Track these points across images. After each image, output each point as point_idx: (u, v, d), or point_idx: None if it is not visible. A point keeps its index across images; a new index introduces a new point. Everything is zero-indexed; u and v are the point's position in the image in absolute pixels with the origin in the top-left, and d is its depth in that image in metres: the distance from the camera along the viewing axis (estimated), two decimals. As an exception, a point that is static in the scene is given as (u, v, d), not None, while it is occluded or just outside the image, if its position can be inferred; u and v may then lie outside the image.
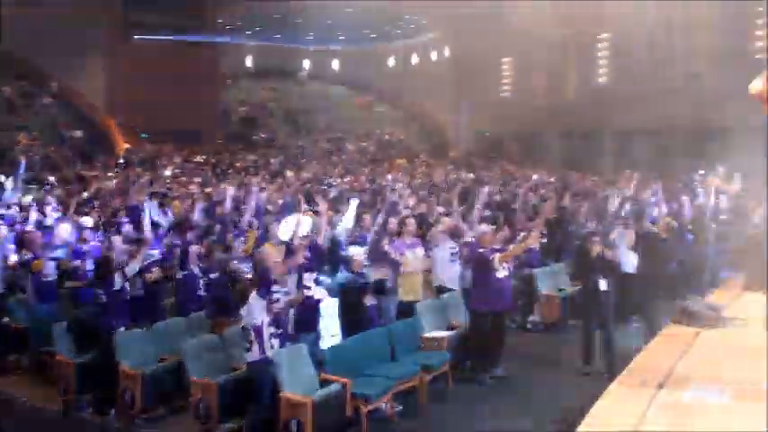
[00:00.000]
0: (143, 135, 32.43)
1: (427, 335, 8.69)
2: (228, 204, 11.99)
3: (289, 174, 21.80)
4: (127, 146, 31.30)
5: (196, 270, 9.02)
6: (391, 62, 42.63)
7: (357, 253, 8.62)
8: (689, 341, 6.60)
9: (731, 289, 9.07)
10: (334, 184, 18.56)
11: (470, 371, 8.71)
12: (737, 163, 13.97)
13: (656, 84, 26.98)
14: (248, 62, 42.07)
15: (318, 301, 7.91)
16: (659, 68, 26.92)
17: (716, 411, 4.93)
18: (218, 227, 10.91)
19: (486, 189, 12.62)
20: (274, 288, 6.85)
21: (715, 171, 15.69)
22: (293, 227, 8.32)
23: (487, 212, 12.04)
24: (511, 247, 9.05)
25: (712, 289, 9.69)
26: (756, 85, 5.77)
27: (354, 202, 10.67)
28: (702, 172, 16.72)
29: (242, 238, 10.05)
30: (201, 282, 8.99)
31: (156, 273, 8.74)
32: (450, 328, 9.08)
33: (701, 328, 6.98)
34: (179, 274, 9.06)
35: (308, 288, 7.71)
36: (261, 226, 10.60)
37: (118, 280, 7.78)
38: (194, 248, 9.19)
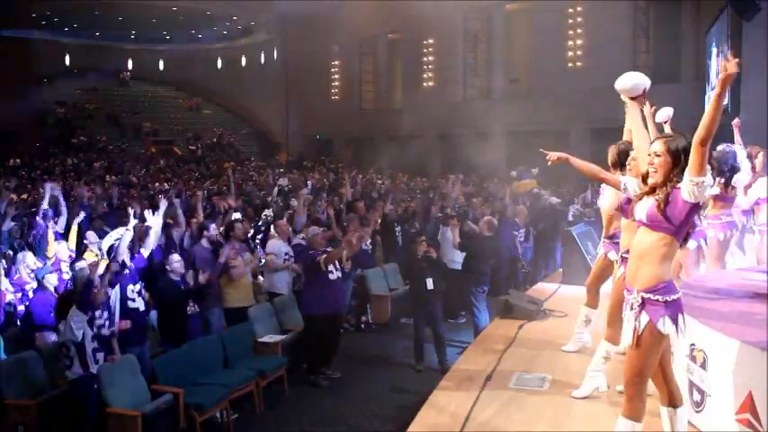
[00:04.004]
0: None
1: (261, 339, 8.62)
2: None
3: (110, 178, 20.90)
4: None
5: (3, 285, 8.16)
6: (219, 63, 41.79)
7: (176, 259, 8.22)
8: (512, 334, 6.94)
9: (550, 283, 9.64)
10: (164, 189, 17.92)
11: (306, 374, 8.71)
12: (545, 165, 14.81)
13: (478, 88, 28.16)
14: (66, 61, 39.81)
15: (144, 312, 7.60)
16: (480, 73, 28.09)
17: (537, 398, 5.22)
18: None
19: (305, 191, 12.67)
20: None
21: (524, 172, 16.70)
22: (116, 238, 7.93)
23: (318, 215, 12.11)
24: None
25: (533, 284, 10.24)
26: None
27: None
28: (514, 174, 17.64)
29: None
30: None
31: None
32: (285, 331, 9.05)
33: (524, 320, 7.37)
34: None
35: (133, 300, 7.38)
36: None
37: None
38: None
